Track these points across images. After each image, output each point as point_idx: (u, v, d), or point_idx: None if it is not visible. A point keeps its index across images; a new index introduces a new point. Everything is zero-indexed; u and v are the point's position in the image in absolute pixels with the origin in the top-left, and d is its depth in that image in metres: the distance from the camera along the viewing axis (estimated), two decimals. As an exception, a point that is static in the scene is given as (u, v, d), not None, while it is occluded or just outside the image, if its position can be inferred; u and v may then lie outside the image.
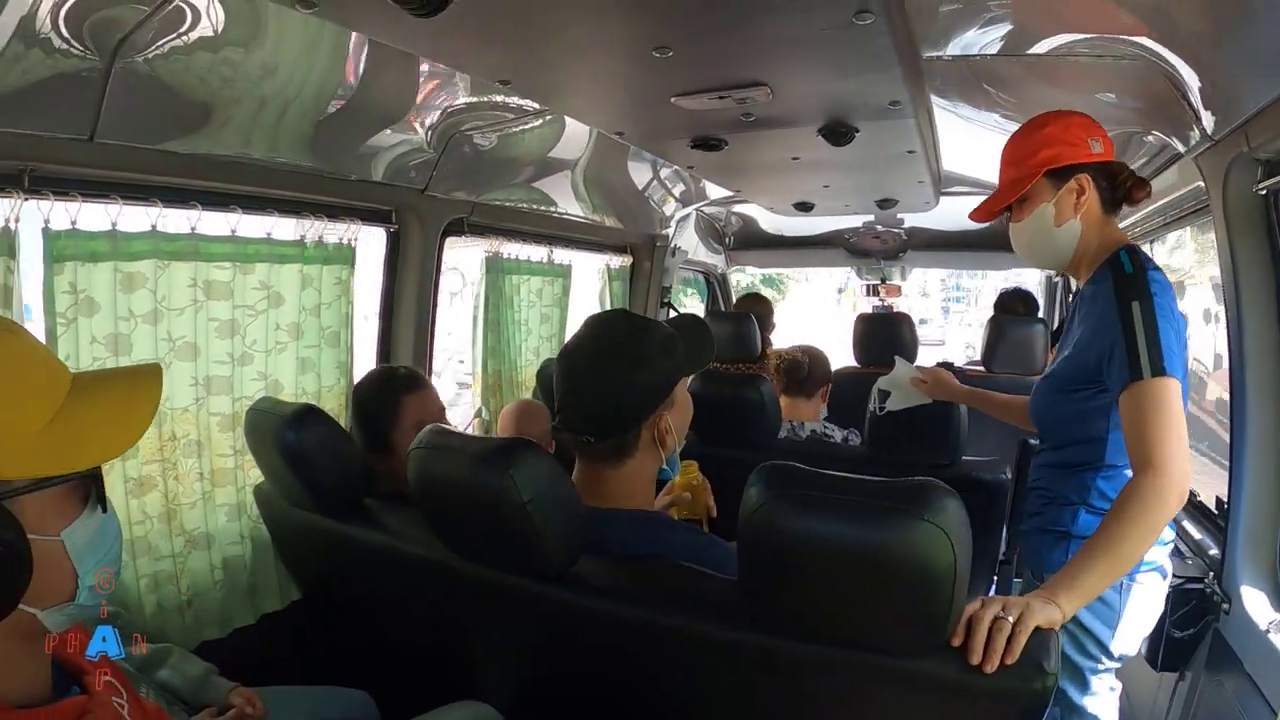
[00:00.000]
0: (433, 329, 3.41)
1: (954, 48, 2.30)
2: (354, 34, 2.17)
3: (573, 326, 4.36)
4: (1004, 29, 2.17)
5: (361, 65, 2.38)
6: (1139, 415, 1.85)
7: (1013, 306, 5.29)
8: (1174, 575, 2.21)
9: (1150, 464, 1.80)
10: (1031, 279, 7.15)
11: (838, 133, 2.65)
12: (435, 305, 3.41)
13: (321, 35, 2.16)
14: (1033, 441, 3.11)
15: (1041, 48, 2.26)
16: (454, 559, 1.94)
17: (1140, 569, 2.04)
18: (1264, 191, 2.25)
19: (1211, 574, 2.50)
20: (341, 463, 2.28)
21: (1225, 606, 2.37)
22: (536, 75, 2.23)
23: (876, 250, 5.82)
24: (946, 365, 4.69)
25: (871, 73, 2.13)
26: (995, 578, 3.20)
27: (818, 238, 5.74)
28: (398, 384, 2.61)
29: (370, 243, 3.21)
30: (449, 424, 2.57)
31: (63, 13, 1.77)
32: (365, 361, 3.23)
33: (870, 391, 2.99)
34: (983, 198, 4.34)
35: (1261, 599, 2.31)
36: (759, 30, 1.85)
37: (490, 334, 3.82)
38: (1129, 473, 1.89)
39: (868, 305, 6.95)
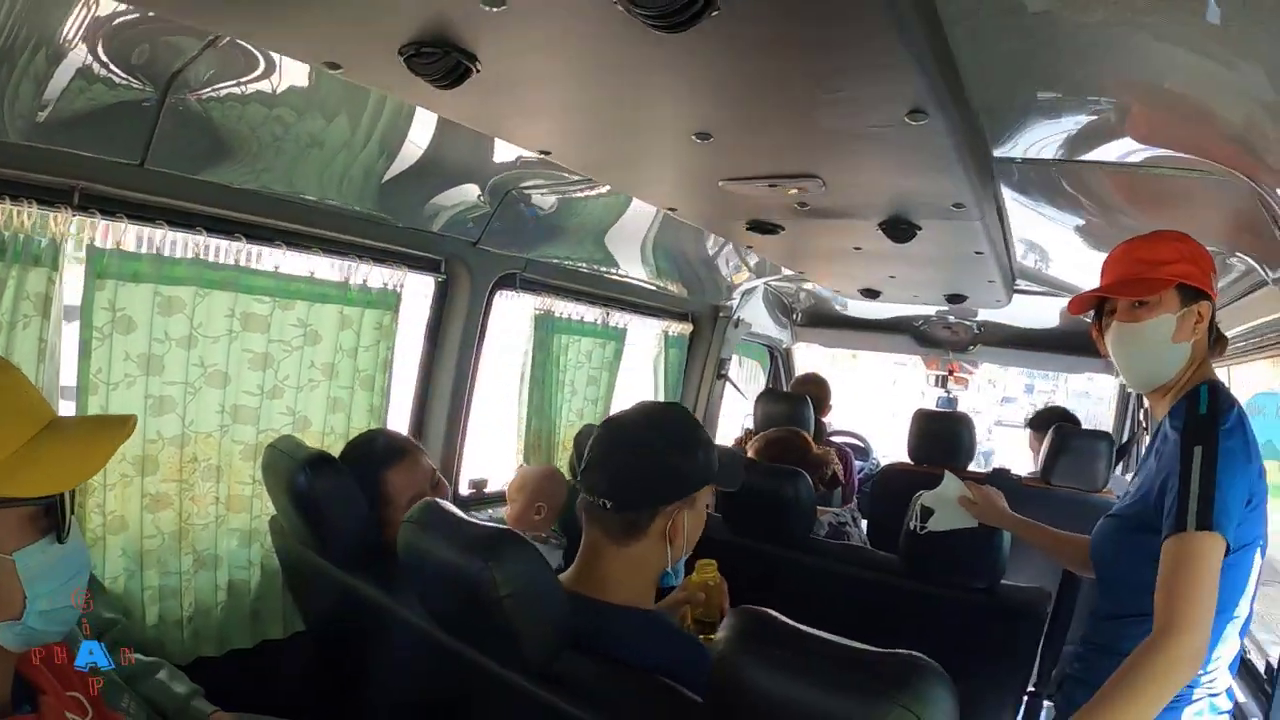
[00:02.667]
0: (473, 381, 3.40)
1: (1027, 150, 2.23)
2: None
3: (621, 391, 4.35)
4: (1081, 135, 2.09)
5: (416, 117, 2.39)
6: (1171, 570, 1.74)
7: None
8: None
9: (1171, 626, 1.69)
10: (1106, 389, 6.92)
11: (899, 228, 2.59)
12: (479, 358, 3.41)
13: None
14: (1078, 571, 2.97)
15: (1123, 157, 2.18)
16: (442, 633, 1.89)
17: None
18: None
19: None
20: (350, 515, 2.27)
21: None
22: (578, 148, 2.23)
23: (946, 341, 5.68)
24: (1003, 472, 4.52)
25: (931, 173, 2.08)
26: (1023, 708, 3.04)
27: (887, 322, 5.65)
28: (376, 458, 2.48)
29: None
30: (445, 485, 2.58)
31: (119, 41, 1.84)
32: (403, 405, 3.24)
33: (912, 501, 2.85)
34: (1059, 299, 4.24)
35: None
36: (808, 124, 1.81)
37: (535, 391, 3.80)
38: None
39: (932, 394, 6.76)
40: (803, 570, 3.10)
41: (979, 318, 5.27)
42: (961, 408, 5.93)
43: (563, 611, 1.70)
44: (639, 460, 1.83)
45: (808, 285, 4.86)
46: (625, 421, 1.90)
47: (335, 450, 2.71)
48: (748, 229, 2.80)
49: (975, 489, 2.68)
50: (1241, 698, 2.66)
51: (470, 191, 2.91)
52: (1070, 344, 5.04)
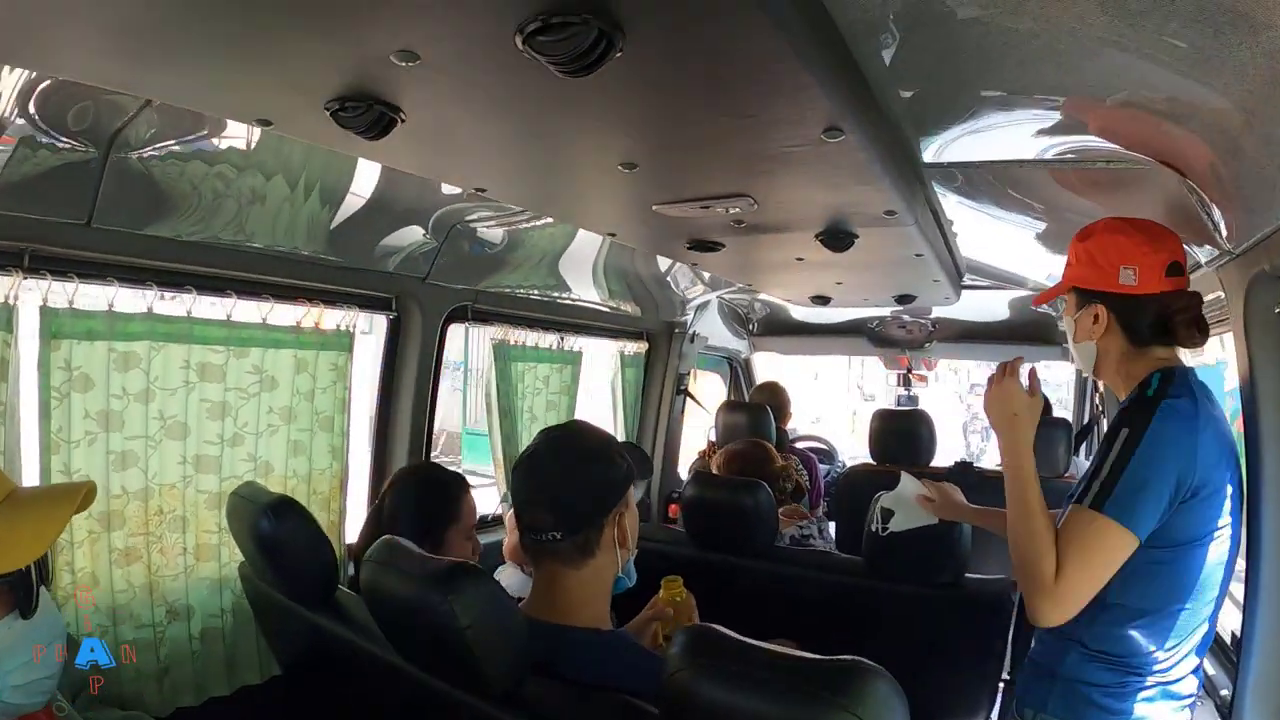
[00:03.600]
0: (432, 415, 3.43)
1: (955, 155, 2.27)
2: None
3: (581, 414, 4.36)
4: (1009, 136, 2.12)
5: (358, 160, 2.43)
6: (1063, 537, 1.82)
7: None
8: None
9: (1056, 579, 1.79)
10: (1061, 375, 6.99)
11: (836, 238, 2.61)
12: (436, 392, 3.43)
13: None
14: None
15: (1053, 154, 2.21)
16: (410, 666, 1.91)
17: None
18: (1284, 313, 2.06)
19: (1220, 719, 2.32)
20: (314, 556, 2.28)
21: None
22: (511, 184, 2.28)
23: (901, 340, 5.71)
24: (965, 465, 4.58)
25: (857, 185, 2.09)
26: (999, 698, 3.07)
27: (842, 325, 5.66)
28: (456, 483, 2.62)
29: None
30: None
31: (58, 104, 1.90)
32: (361, 446, 3.24)
33: (871, 504, 2.87)
34: (1009, 292, 4.30)
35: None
36: (728, 148, 1.85)
37: (505, 420, 3.83)
38: (1134, 617, 1.85)
39: (893, 395, 6.81)
40: (769, 579, 3.12)
41: (933, 315, 5.30)
42: (925, 401, 5.97)
43: (522, 637, 1.72)
44: (574, 484, 1.86)
45: (762, 295, 4.85)
46: (543, 455, 1.91)
47: (299, 494, 2.75)
48: (689, 248, 2.83)
49: (932, 486, 2.71)
50: (1210, 670, 2.69)
51: (415, 229, 2.95)
52: (1022, 334, 5.07)
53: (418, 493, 2.57)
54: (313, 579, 2.28)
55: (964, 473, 4.42)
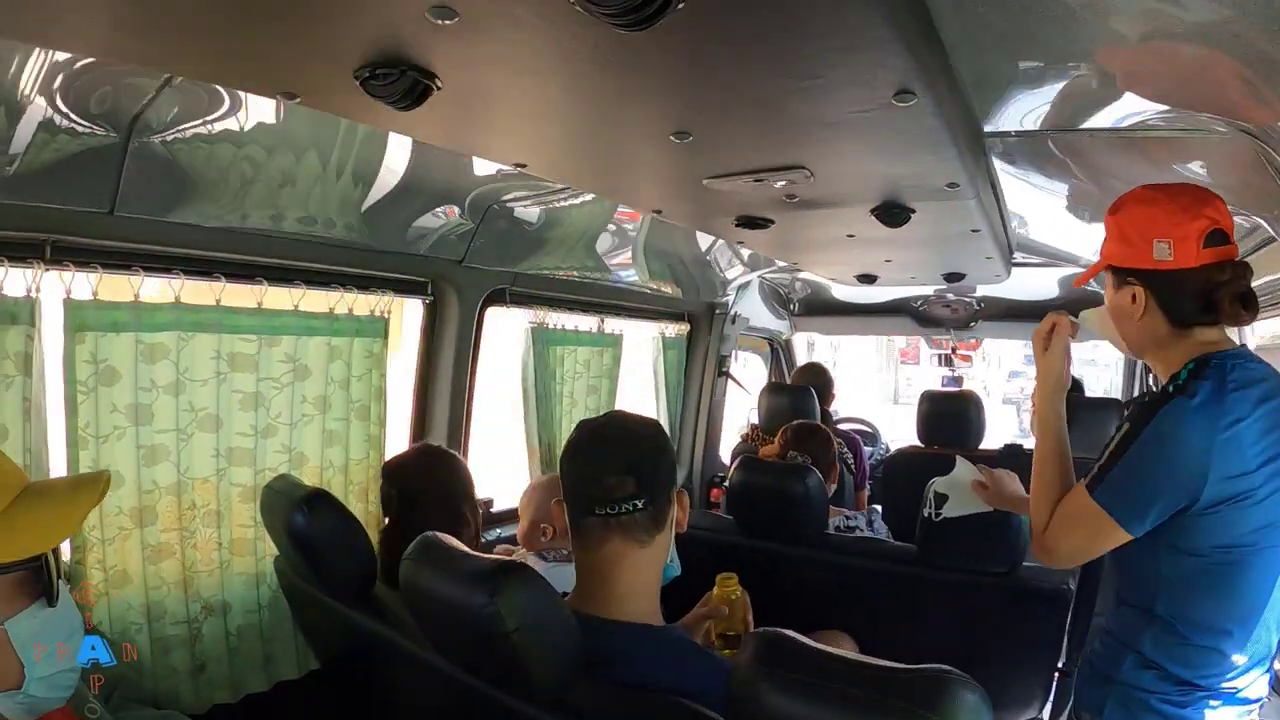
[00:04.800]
0: (470, 402, 3.37)
1: (1019, 123, 2.17)
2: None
3: (622, 397, 4.32)
4: (1074, 103, 2.01)
5: (389, 140, 2.37)
6: (1061, 502, 1.89)
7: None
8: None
9: (1044, 531, 1.91)
10: (1111, 354, 6.86)
11: (892, 213, 2.52)
12: (474, 377, 3.37)
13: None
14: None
15: (1117, 122, 2.09)
16: (451, 666, 1.83)
17: None
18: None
19: None
20: (349, 550, 2.23)
21: None
22: (553, 158, 2.19)
23: (946, 319, 5.61)
24: (1015, 449, 4.47)
25: (922, 154, 2.00)
26: (1054, 689, 2.99)
27: (886, 305, 5.58)
28: (460, 461, 2.69)
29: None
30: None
31: (77, 88, 1.83)
32: (399, 434, 3.18)
33: (926, 489, 2.80)
34: (1059, 270, 4.19)
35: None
36: (789, 114, 1.75)
37: (542, 406, 3.76)
38: (1190, 635, 1.79)
39: (936, 376, 6.73)
40: (819, 567, 3.07)
41: (979, 293, 5.21)
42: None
43: (573, 637, 1.64)
44: (654, 452, 1.82)
45: (803, 274, 4.80)
46: (613, 431, 1.86)
47: (335, 485, 2.69)
48: (736, 225, 2.75)
49: (987, 473, 2.61)
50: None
51: (451, 210, 2.88)
52: (1071, 313, 4.98)
53: (436, 475, 2.58)
54: (349, 573, 2.23)
55: (1013, 456, 4.33)
